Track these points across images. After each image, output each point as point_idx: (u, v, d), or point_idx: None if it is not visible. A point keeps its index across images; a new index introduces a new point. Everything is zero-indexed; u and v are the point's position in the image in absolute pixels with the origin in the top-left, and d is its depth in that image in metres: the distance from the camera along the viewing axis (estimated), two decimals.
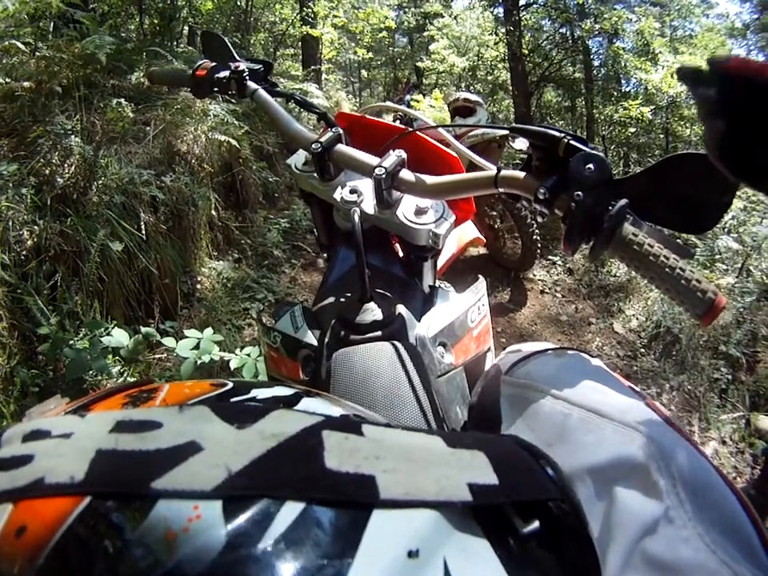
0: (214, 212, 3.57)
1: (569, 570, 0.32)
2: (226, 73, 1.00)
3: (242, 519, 0.24)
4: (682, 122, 8.65)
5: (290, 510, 0.25)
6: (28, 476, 0.26)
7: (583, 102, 9.43)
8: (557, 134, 0.65)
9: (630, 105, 7.56)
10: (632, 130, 8.02)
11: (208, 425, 0.30)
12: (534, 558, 0.31)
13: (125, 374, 2.49)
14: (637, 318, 3.78)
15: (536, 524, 0.31)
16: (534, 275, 4.26)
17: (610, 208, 0.61)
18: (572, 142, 0.64)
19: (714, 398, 3.02)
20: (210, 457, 0.27)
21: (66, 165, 2.78)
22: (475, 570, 0.27)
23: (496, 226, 3.93)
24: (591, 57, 9.43)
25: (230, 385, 0.39)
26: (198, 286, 3.34)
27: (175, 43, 5.53)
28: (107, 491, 0.25)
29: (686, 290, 0.60)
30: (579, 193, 0.61)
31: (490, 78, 10.09)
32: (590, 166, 0.61)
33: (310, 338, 0.82)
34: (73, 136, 2.82)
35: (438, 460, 0.32)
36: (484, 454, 0.33)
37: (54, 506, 0.25)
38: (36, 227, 2.53)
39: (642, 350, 3.49)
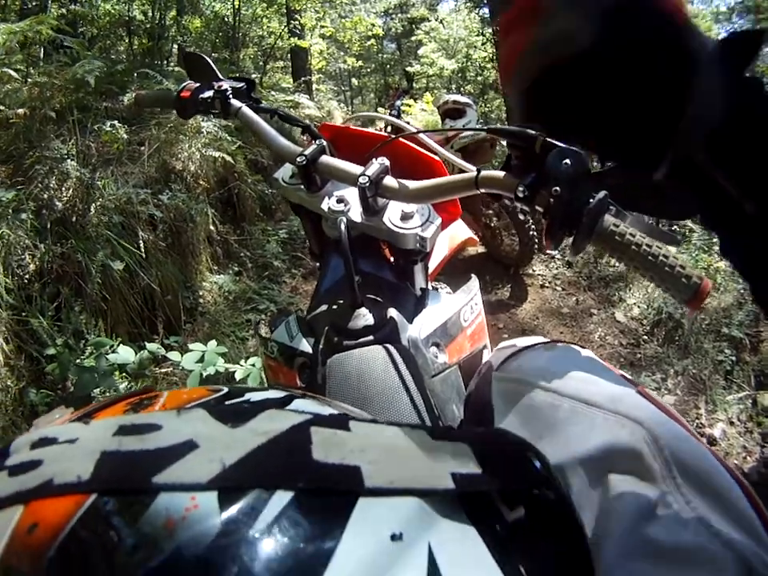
0: (212, 227, 3.59)
1: (556, 556, 0.34)
2: (210, 93, 1.00)
3: (235, 508, 0.26)
4: None
5: (280, 499, 0.27)
6: (37, 478, 0.28)
7: None
8: (532, 132, 0.66)
9: None
10: None
11: (204, 425, 0.32)
12: (521, 545, 0.32)
13: (132, 389, 2.51)
14: (638, 306, 3.78)
15: (521, 511, 0.33)
16: (534, 270, 4.27)
17: (590, 201, 0.62)
18: (548, 139, 0.65)
19: (719, 380, 3.02)
20: (205, 453, 0.29)
21: (63, 188, 2.82)
22: (461, 555, 0.29)
23: (492, 224, 3.94)
24: None
25: (226, 390, 0.41)
26: (201, 300, 3.37)
27: (165, 62, 5.55)
28: (112, 488, 0.27)
29: (671, 277, 0.61)
30: (557, 188, 0.62)
31: (479, 78, 10.11)
32: (567, 161, 0.62)
33: (305, 345, 0.83)
34: (69, 160, 2.86)
35: (422, 452, 0.33)
36: (468, 445, 0.35)
37: (62, 504, 0.27)
38: (37, 251, 2.57)
39: (645, 337, 3.49)
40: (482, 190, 0.72)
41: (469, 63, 9.81)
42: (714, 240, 4.01)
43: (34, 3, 5.86)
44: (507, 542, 0.32)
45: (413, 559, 0.27)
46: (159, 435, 0.30)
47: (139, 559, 0.24)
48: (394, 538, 0.27)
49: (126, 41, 5.59)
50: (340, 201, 0.87)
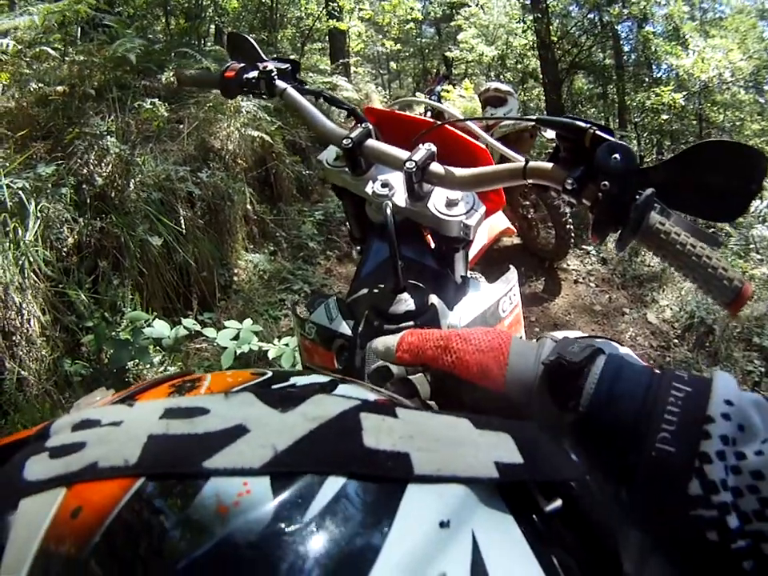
0: (249, 206, 3.62)
1: (588, 547, 0.34)
2: (255, 73, 1.01)
3: (288, 493, 0.26)
4: (716, 108, 8.41)
5: (332, 485, 0.27)
6: (81, 461, 0.27)
7: (614, 89, 9.23)
8: (582, 124, 0.66)
9: (662, 91, 7.37)
10: (665, 116, 7.82)
11: (253, 409, 0.31)
12: (556, 535, 0.33)
13: (165, 364, 2.57)
14: (670, 309, 3.73)
15: (558, 502, 0.33)
16: (568, 265, 4.23)
17: (637, 197, 0.62)
18: (598, 132, 0.65)
19: (746, 390, 2.96)
20: (256, 438, 0.28)
21: (103, 164, 2.86)
22: (500, 543, 0.29)
23: (529, 216, 3.90)
24: (621, 42, 9.22)
25: (270, 373, 0.41)
26: (235, 278, 3.40)
27: (202, 42, 5.58)
28: (160, 472, 0.27)
29: (713, 279, 0.60)
30: (606, 183, 0.62)
31: (519, 66, 9.94)
32: (616, 155, 0.62)
33: (345, 328, 0.84)
34: (108, 136, 2.89)
35: (467, 440, 0.33)
36: (509, 435, 0.35)
37: (108, 488, 0.26)
38: (76, 225, 2.61)
39: (676, 340, 3.45)
40: (530, 181, 0.72)
41: (509, 50, 9.64)
42: (751, 246, 3.91)
43: None
44: (543, 533, 0.32)
45: (459, 546, 0.27)
46: (208, 419, 0.30)
47: (189, 545, 0.24)
48: (442, 525, 0.27)
49: (163, 21, 5.62)
50: (385, 185, 0.87)
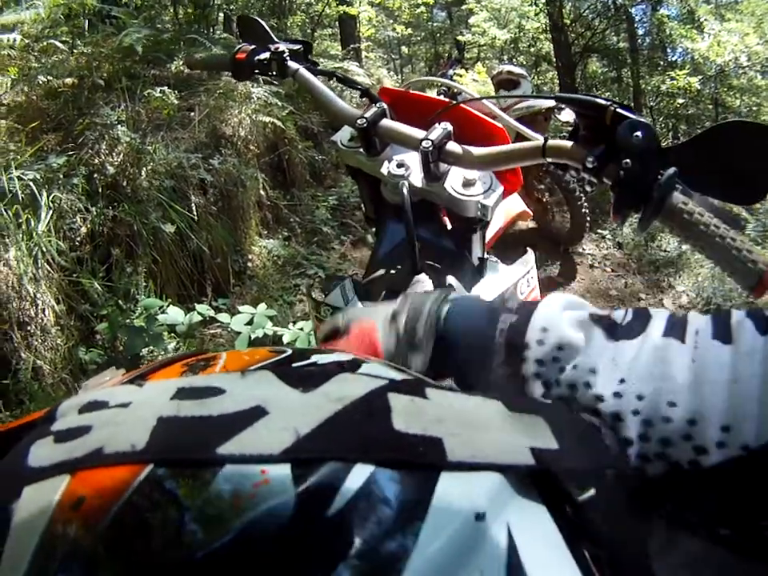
0: (262, 191, 3.61)
1: (618, 539, 0.32)
2: (267, 54, 1.00)
3: (311, 482, 0.23)
4: (732, 92, 8.28)
5: (360, 472, 0.24)
6: (86, 446, 0.25)
7: (629, 73, 9.09)
8: (603, 102, 0.65)
9: (677, 75, 7.24)
10: (680, 101, 7.70)
11: (272, 389, 0.29)
12: (589, 526, 0.31)
13: (180, 350, 2.56)
14: (687, 295, 3.68)
15: (592, 492, 0.31)
16: (584, 249, 4.18)
17: (659, 177, 0.61)
18: (618, 109, 0.64)
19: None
20: (276, 420, 0.26)
21: (114, 154, 2.87)
22: (534, 535, 0.27)
23: (544, 200, 3.86)
24: (635, 25, 9.04)
25: (289, 351, 0.38)
26: (249, 264, 3.40)
27: (211, 30, 5.55)
28: (170, 458, 0.25)
29: (737, 261, 0.59)
30: (627, 161, 0.61)
31: (532, 49, 9.80)
32: (638, 133, 0.61)
33: None
34: (119, 126, 2.89)
35: (500, 424, 0.31)
36: (543, 418, 0.33)
37: (113, 476, 0.24)
38: (89, 214, 2.63)
39: None
40: (549, 160, 0.71)
41: (521, 34, 9.51)
42: None
43: None
44: (575, 524, 0.30)
45: (495, 541, 0.25)
46: (223, 400, 0.28)
47: (203, 539, 0.22)
48: (478, 517, 0.25)
49: (171, 10, 5.59)
50: (400, 165, 0.86)
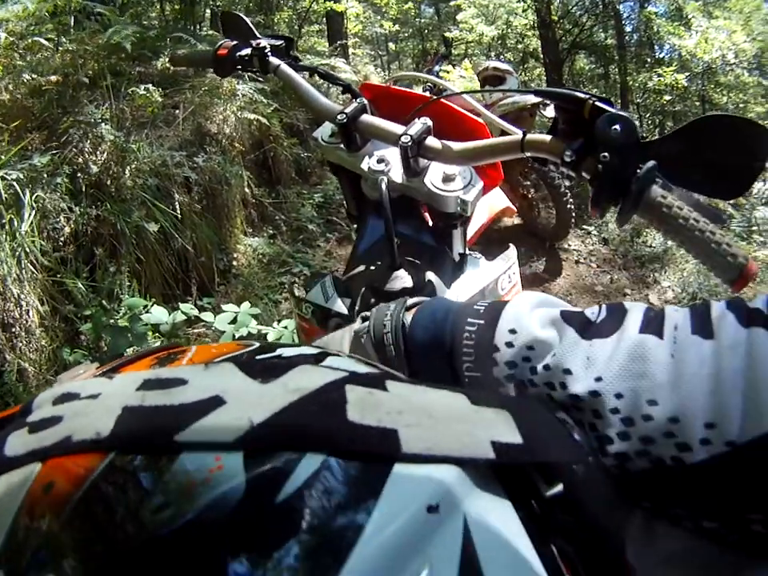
0: (247, 189, 3.60)
1: (590, 535, 0.32)
2: (248, 50, 1.00)
3: (262, 470, 0.25)
4: (719, 89, 8.37)
5: (311, 462, 0.25)
6: (56, 435, 0.27)
7: (616, 70, 9.17)
8: (582, 95, 0.65)
9: (665, 71, 7.33)
10: (667, 97, 7.79)
11: (232, 380, 0.30)
12: (556, 522, 0.31)
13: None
14: (672, 290, 3.71)
15: (560, 487, 0.31)
16: (569, 245, 4.20)
17: (638, 170, 0.61)
18: (597, 103, 0.63)
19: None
20: (233, 410, 0.27)
21: (98, 152, 2.84)
22: (495, 531, 0.27)
23: (530, 196, 3.88)
24: (623, 22, 9.13)
25: (257, 345, 0.39)
26: (234, 263, 3.40)
27: (198, 27, 5.52)
28: (132, 445, 0.26)
29: (716, 254, 0.59)
30: (606, 154, 0.61)
31: (520, 46, 9.86)
32: (616, 127, 0.61)
33: (340, 306, 0.84)
34: (103, 124, 2.87)
35: (461, 416, 0.31)
36: (509, 413, 0.32)
37: (80, 462, 0.25)
38: (72, 214, 2.61)
39: None
40: (528, 154, 0.71)
41: (509, 30, 9.55)
42: (754, 228, 3.89)
43: None
44: (542, 519, 0.30)
45: (448, 533, 0.25)
46: (185, 390, 0.29)
47: (159, 521, 0.23)
48: (430, 509, 0.25)
49: (158, 6, 5.55)
50: (380, 161, 0.86)
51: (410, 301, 0.59)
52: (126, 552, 0.23)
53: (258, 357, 0.37)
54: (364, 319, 0.61)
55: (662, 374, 0.36)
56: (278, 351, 0.38)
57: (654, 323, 0.39)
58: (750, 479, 0.32)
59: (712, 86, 8.31)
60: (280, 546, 0.22)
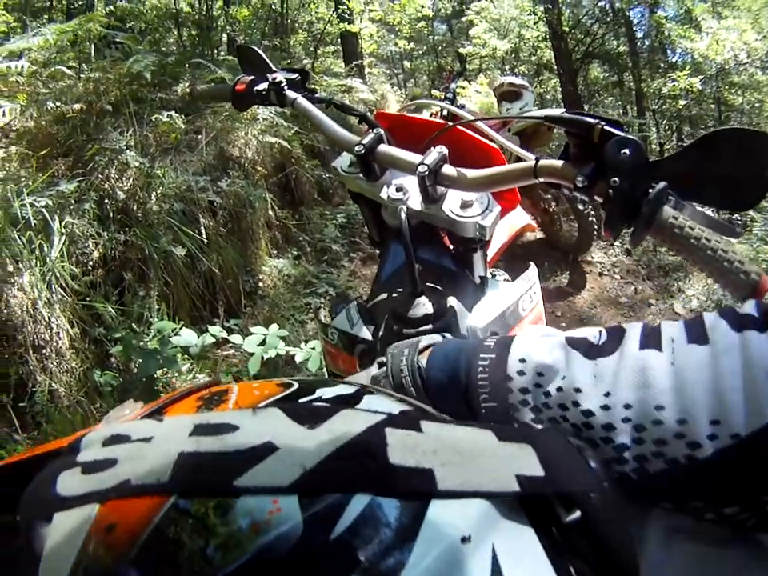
0: (271, 212, 3.65)
1: (607, 558, 0.34)
2: (265, 85, 1.02)
3: (317, 509, 0.27)
4: (733, 90, 8.24)
5: (359, 502, 0.28)
6: (114, 478, 0.28)
7: (630, 77, 9.09)
8: (590, 120, 0.65)
9: (679, 76, 7.25)
10: (683, 102, 7.69)
11: (281, 426, 0.32)
12: (575, 546, 0.34)
13: (193, 371, 2.60)
14: (697, 299, 3.65)
15: (578, 514, 0.33)
16: (592, 257, 4.16)
17: (650, 191, 0.61)
18: (606, 127, 0.64)
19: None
20: (285, 456, 0.29)
21: (124, 178, 2.91)
22: (520, 557, 0.30)
23: (551, 210, 3.86)
24: (634, 29, 9.05)
25: (296, 385, 0.42)
26: (260, 284, 3.43)
27: (215, 52, 5.62)
28: (192, 490, 0.28)
29: (729, 272, 0.60)
30: (616, 179, 0.62)
31: (533, 58, 9.83)
32: (626, 150, 0.61)
33: (365, 333, 0.86)
34: (128, 150, 2.94)
35: (489, 453, 0.34)
36: (531, 446, 0.35)
37: (141, 505, 0.27)
38: (101, 239, 2.67)
39: None
40: (541, 179, 0.72)
41: (522, 43, 9.55)
42: None
43: (80, 2, 6.04)
44: (562, 544, 0.33)
45: (479, 561, 0.28)
46: (237, 436, 0.30)
47: (223, 561, 0.25)
48: (463, 540, 0.28)
49: (175, 32, 5.67)
50: (399, 189, 0.88)
51: (422, 344, 0.64)
52: None
53: (300, 399, 0.40)
54: (381, 365, 0.65)
55: (665, 381, 0.39)
56: (318, 392, 0.41)
57: (651, 338, 0.43)
58: (759, 466, 0.35)
59: (726, 87, 8.18)
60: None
